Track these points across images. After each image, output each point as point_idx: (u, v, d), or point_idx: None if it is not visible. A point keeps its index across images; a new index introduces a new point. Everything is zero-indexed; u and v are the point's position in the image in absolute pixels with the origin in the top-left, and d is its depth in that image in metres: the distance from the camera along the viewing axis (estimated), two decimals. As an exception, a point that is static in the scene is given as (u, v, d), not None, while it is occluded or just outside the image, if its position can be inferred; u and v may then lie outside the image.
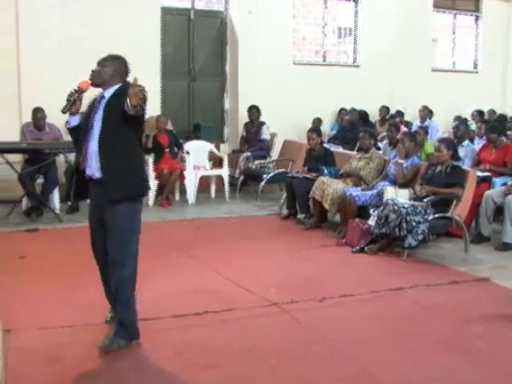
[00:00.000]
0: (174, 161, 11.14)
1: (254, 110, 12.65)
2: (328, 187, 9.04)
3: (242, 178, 12.09)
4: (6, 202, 9.96)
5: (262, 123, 12.64)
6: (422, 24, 15.35)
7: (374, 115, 14.38)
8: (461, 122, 11.97)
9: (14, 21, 10.86)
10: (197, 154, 11.69)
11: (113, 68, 5.20)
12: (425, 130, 11.40)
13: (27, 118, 10.22)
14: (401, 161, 8.72)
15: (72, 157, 10.33)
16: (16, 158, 10.00)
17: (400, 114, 13.83)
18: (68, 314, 5.72)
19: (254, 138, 12.64)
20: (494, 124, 10.76)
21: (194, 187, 11.29)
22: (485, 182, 8.93)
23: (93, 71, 5.16)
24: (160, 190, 10.98)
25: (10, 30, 10.84)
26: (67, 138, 10.55)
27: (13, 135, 10.04)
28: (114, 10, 11.64)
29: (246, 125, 12.87)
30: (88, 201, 5.44)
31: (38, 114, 9.96)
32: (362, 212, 8.63)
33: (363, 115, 13.78)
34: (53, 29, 11.00)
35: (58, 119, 10.55)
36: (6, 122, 10.58)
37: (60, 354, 4.84)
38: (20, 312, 5.71)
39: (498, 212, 8.52)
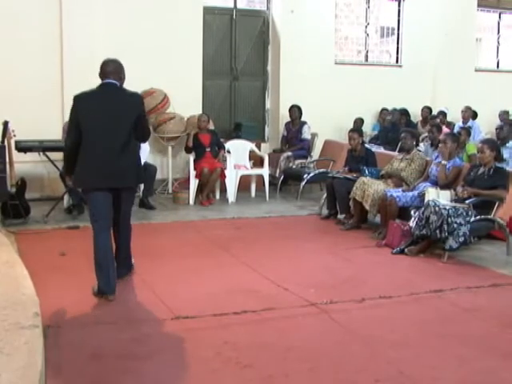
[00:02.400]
0: (215, 160, 11.16)
1: (295, 110, 12.64)
2: (369, 188, 8.99)
3: (282, 177, 12.08)
4: (48, 200, 10.07)
5: (303, 123, 12.62)
6: (465, 23, 15.20)
7: (415, 116, 14.28)
8: (504, 122, 11.83)
9: (58, 20, 10.97)
10: (237, 153, 11.72)
11: None
12: (467, 130, 11.28)
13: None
14: (444, 162, 8.64)
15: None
16: (58, 156, 10.09)
17: (442, 114, 13.70)
18: (109, 310, 5.78)
19: (294, 137, 12.63)
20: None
21: (234, 186, 11.31)
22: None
23: None
24: (200, 188, 11.02)
25: (54, 29, 10.96)
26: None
27: (55, 133, 10.14)
28: (157, 10, 11.71)
29: (286, 124, 12.86)
30: None
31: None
32: (403, 213, 8.58)
33: (404, 113, 13.68)
34: (95, 28, 11.09)
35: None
36: (49, 120, 10.71)
37: (101, 351, 4.87)
38: (61, 308, 5.77)
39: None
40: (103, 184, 6.00)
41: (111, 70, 6.14)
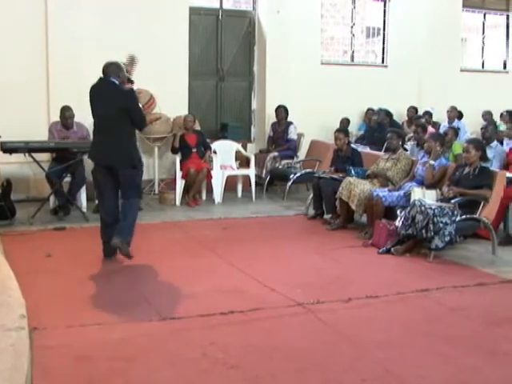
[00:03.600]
0: (201, 161, 11.15)
1: (281, 110, 12.65)
2: (355, 188, 9.01)
3: (268, 177, 12.10)
4: (34, 201, 10.04)
5: (289, 123, 12.63)
6: (451, 24, 15.25)
7: (402, 116, 14.33)
8: (489, 122, 11.86)
9: (44, 21, 10.92)
10: (224, 154, 11.73)
11: None
12: (455, 130, 11.30)
13: (55, 117, 10.29)
14: (431, 161, 8.66)
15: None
16: (44, 157, 10.08)
17: (428, 114, 13.74)
18: (95, 312, 5.76)
19: (281, 137, 12.64)
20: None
21: (220, 187, 11.31)
22: (514, 183, 8.86)
23: None
24: (187, 189, 11.02)
25: (39, 29, 10.92)
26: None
27: (41, 134, 10.10)
28: (143, 11, 11.69)
29: (273, 125, 12.87)
30: None
31: (66, 112, 10.03)
32: (389, 213, 8.60)
33: (388, 114, 13.71)
34: (82, 28, 11.06)
35: (86, 118, 10.66)
36: (35, 121, 10.67)
37: (87, 352, 4.86)
38: (47, 310, 5.75)
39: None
40: (100, 161, 7.50)
41: (109, 70, 7.32)
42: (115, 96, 7.28)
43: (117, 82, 7.31)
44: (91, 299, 6.09)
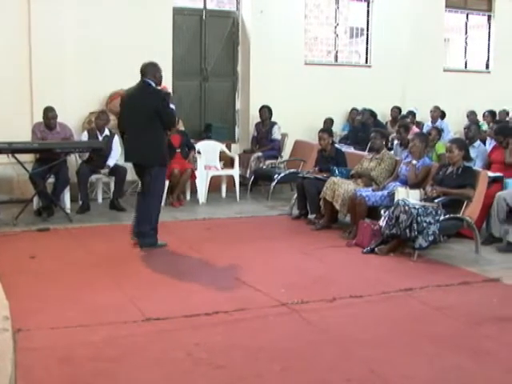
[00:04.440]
0: (185, 161, 11.14)
1: (265, 110, 12.65)
2: (339, 187, 9.03)
3: (252, 178, 12.10)
4: (17, 202, 9.99)
5: (273, 123, 12.64)
6: (434, 24, 15.32)
7: (385, 116, 14.36)
8: (472, 122, 11.92)
9: (27, 21, 10.86)
10: (208, 154, 11.71)
11: None
12: (438, 130, 11.34)
13: (39, 117, 10.24)
14: (414, 161, 8.69)
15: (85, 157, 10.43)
16: (27, 158, 10.03)
17: (412, 114, 13.79)
18: (79, 313, 5.73)
19: (265, 138, 12.65)
20: (501, 126, 10.68)
21: (205, 187, 11.30)
22: (496, 183, 8.90)
23: None
24: (171, 189, 10.98)
25: (22, 30, 10.86)
26: (79, 137, 10.62)
27: (24, 135, 10.04)
28: (126, 10, 11.66)
29: (257, 125, 12.87)
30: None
31: (49, 113, 9.97)
32: (373, 213, 8.63)
33: (372, 115, 13.74)
34: (65, 29, 11.03)
35: (70, 119, 10.63)
36: (18, 121, 10.61)
37: (71, 354, 4.84)
38: (31, 312, 5.72)
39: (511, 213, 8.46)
40: (130, 159, 8.18)
41: (147, 70, 7.88)
42: (147, 97, 7.75)
43: (152, 84, 7.84)
44: (75, 300, 6.07)
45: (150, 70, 7.87)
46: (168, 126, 8.02)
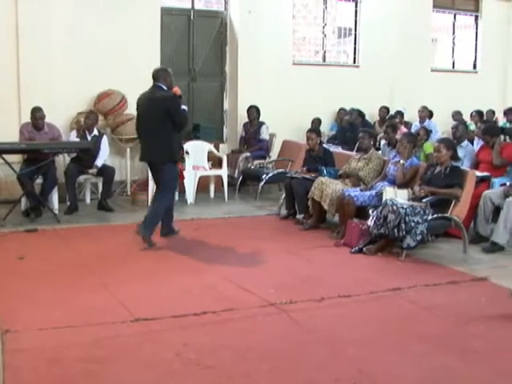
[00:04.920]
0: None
1: (253, 110, 12.65)
2: (327, 187, 9.04)
3: (241, 178, 12.10)
4: (5, 203, 9.96)
5: (261, 123, 12.63)
6: (421, 24, 15.38)
7: (374, 116, 14.39)
8: (460, 122, 11.96)
9: (14, 20, 10.82)
10: (196, 154, 11.68)
11: None
12: (426, 130, 11.37)
13: (26, 118, 10.20)
14: (402, 161, 8.71)
15: (71, 156, 10.40)
16: (15, 158, 10.00)
17: (400, 114, 13.83)
18: (67, 314, 5.72)
19: (253, 138, 12.64)
20: (488, 126, 10.72)
21: (193, 187, 11.29)
22: (484, 182, 8.94)
23: None
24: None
25: (10, 30, 10.82)
26: (67, 137, 10.59)
27: (12, 136, 10.00)
28: (114, 10, 11.64)
29: (245, 125, 12.86)
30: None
31: (37, 113, 9.92)
32: (361, 212, 8.63)
33: (360, 115, 13.76)
34: (53, 29, 10.99)
35: (58, 119, 10.59)
36: (6, 122, 10.57)
37: (60, 355, 4.83)
38: (19, 313, 5.71)
39: (497, 212, 8.48)
40: (144, 159, 8.61)
41: (158, 75, 8.24)
42: (159, 100, 8.07)
43: (164, 87, 8.17)
44: (63, 301, 6.05)
45: (161, 75, 8.23)
46: (180, 126, 8.24)
